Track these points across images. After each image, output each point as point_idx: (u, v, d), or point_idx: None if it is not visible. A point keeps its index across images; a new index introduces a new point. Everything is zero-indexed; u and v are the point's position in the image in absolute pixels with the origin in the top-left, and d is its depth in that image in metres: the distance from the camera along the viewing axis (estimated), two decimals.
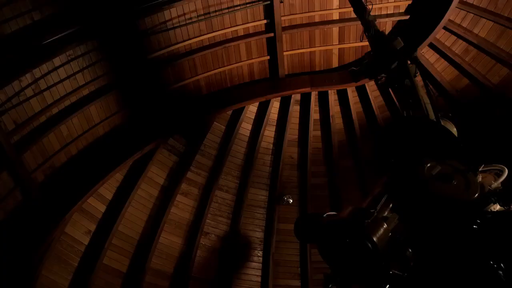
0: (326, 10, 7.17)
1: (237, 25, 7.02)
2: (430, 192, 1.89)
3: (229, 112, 7.96)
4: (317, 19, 7.32)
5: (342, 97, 8.04)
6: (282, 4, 6.89)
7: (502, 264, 1.60)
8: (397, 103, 3.12)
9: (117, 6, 5.89)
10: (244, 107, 7.90)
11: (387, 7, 7.20)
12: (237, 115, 7.96)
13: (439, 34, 7.12)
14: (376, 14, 7.02)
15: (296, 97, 8.10)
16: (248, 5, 6.80)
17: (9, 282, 5.57)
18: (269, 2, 6.78)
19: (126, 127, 7.01)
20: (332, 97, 7.99)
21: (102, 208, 6.86)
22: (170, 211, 7.45)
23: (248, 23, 7.06)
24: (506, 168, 2.36)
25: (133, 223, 7.18)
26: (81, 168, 6.54)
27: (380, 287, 1.66)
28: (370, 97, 7.85)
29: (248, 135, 8.15)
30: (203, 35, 6.89)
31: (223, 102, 7.63)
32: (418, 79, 3.21)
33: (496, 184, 2.26)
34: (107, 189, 6.90)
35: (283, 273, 7.92)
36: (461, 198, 1.86)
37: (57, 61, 5.73)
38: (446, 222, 1.81)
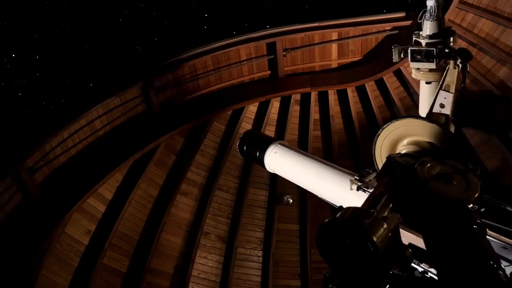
0: (326, 60, 7.83)
1: (243, 76, 7.72)
2: (430, 192, 1.89)
3: (229, 112, 7.97)
4: (317, 69, 7.95)
5: (342, 97, 8.04)
6: (285, 57, 7.56)
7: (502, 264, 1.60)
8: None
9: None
10: (244, 107, 7.90)
11: None
12: (237, 115, 7.96)
13: None
14: None
15: (296, 97, 8.10)
16: (254, 60, 7.60)
17: (9, 282, 5.57)
18: (273, 56, 7.52)
19: (126, 127, 7.01)
20: (332, 97, 8.00)
21: (102, 208, 6.86)
22: (170, 211, 7.46)
23: (253, 73, 7.79)
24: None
25: (133, 223, 7.18)
26: (81, 168, 6.55)
27: (380, 287, 1.65)
28: (370, 97, 7.86)
29: None
30: (212, 86, 7.58)
31: (223, 102, 7.66)
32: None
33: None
34: (107, 189, 6.90)
35: (283, 273, 7.92)
36: (460, 198, 1.86)
37: (83, 121, 6.41)
38: (446, 222, 1.81)
